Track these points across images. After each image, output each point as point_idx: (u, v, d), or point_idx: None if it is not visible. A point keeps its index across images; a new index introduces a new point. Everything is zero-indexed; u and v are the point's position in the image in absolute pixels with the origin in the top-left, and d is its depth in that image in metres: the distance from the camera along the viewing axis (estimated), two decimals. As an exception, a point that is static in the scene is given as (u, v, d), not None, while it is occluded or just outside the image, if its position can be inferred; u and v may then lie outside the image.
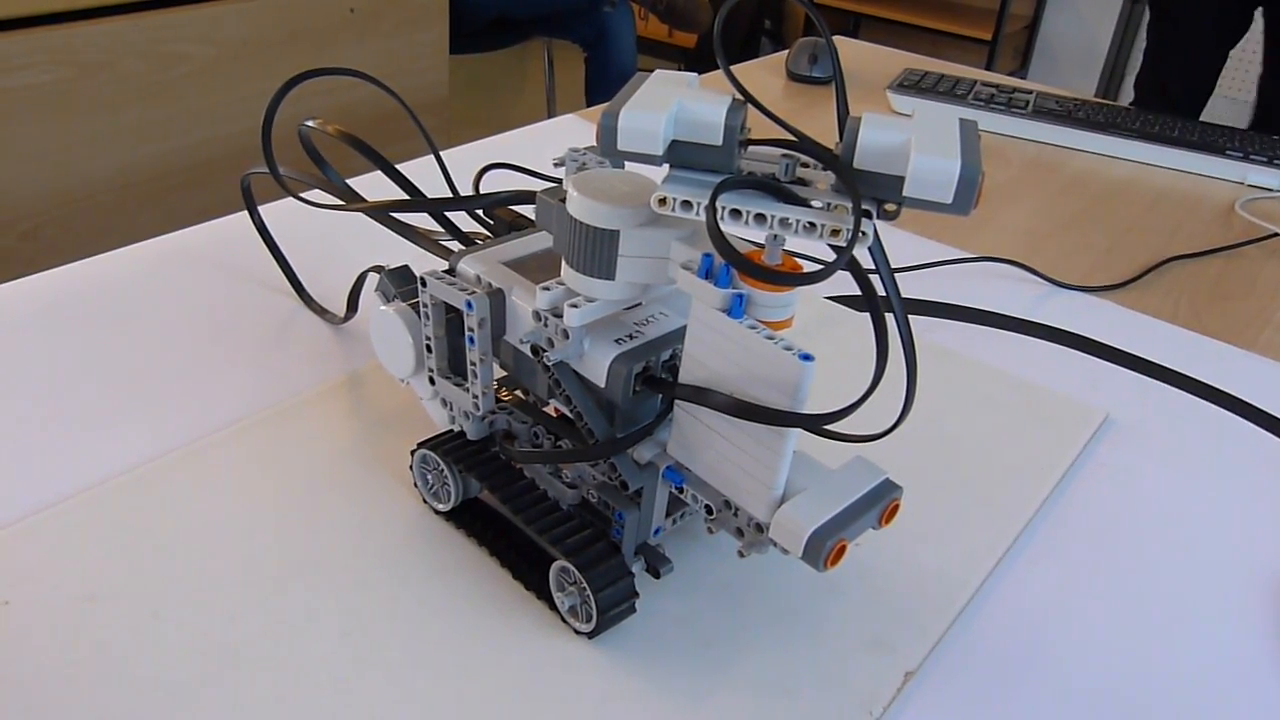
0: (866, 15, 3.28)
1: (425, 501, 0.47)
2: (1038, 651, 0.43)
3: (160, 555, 0.43)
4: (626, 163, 0.36)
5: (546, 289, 0.38)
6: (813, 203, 0.34)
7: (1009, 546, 0.48)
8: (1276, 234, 0.86)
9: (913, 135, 0.32)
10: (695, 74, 0.37)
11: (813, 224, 0.33)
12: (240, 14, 1.37)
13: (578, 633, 0.41)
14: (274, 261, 0.65)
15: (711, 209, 0.33)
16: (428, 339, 0.43)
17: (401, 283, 0.45)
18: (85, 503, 0.46)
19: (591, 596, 0.39)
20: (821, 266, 0.31)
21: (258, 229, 0.62)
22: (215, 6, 1.34)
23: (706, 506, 0.38)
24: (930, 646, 0.42)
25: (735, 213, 0.33)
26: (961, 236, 0.80)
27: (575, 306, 0.37)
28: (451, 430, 0.46)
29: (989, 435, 0.56)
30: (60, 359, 0.55)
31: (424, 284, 0.42)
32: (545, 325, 0.39)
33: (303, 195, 0.58)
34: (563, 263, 0.38)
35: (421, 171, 0.82)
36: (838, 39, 1.30)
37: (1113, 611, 0.45)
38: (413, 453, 0.46)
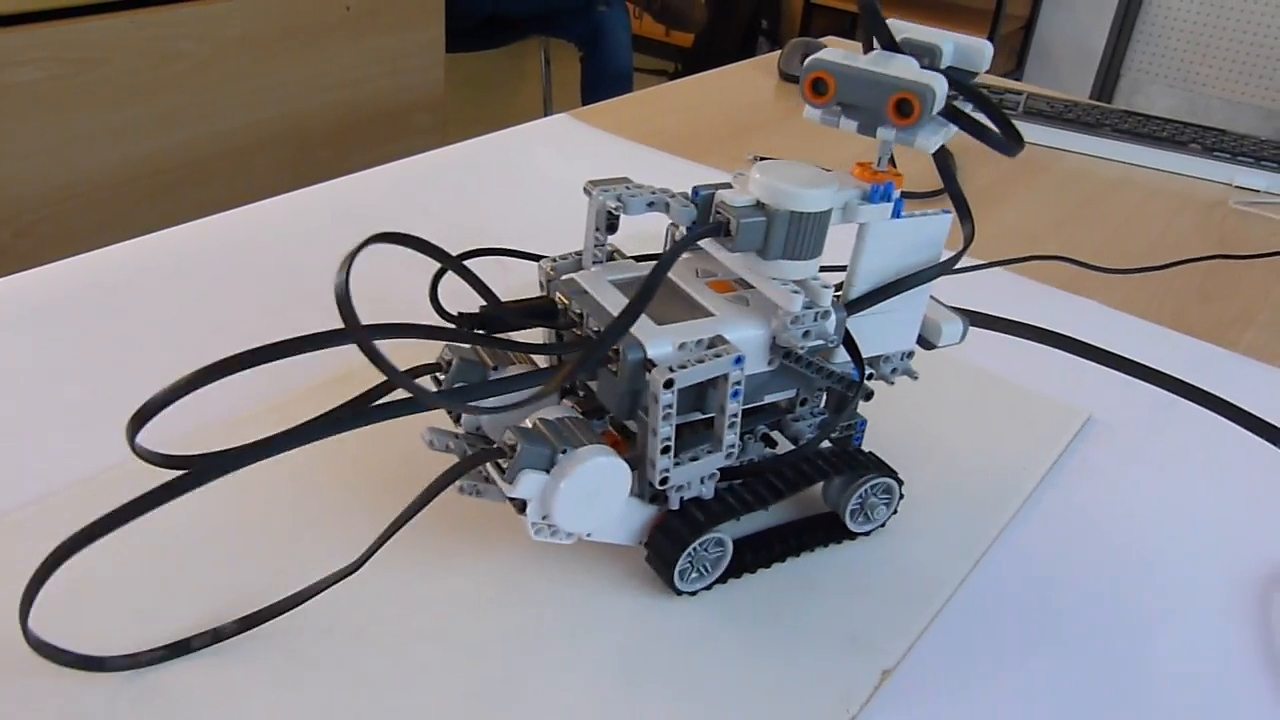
0: (863, 15, 3.28)
1: (681, 593, 0.43)
2: (1017, 650, 0.44)
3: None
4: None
5: (796, 292, 0.41)
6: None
7: (989, 546, 0.49)
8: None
9: (937, 40, 0.43)
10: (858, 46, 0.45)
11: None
12: (236, 11, 1.38)
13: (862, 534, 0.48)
14: (268, 255, 0.65)
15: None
16: (665, 442, 0.40)
17: (535, 436, 0.39)
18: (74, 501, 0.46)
19: (897, 488, 0.48)
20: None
21: None
22: (211, 4, 1.34)
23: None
24: (909, 645, 0.43)
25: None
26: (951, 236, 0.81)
27: (826, 288, 0.42)
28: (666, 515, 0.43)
29: (970, 435, 0.56)
30: (54, 355, 0.56)
31: (669, 385, 0.38)
32: (799, 323, 0.41)
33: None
34: (760, 261, 0.42)
35: (420, 171, 0.82)
36: (831, 38, 1.30)
37: (1094, 610, 0.46)
38: (669, 566, 0.42)
